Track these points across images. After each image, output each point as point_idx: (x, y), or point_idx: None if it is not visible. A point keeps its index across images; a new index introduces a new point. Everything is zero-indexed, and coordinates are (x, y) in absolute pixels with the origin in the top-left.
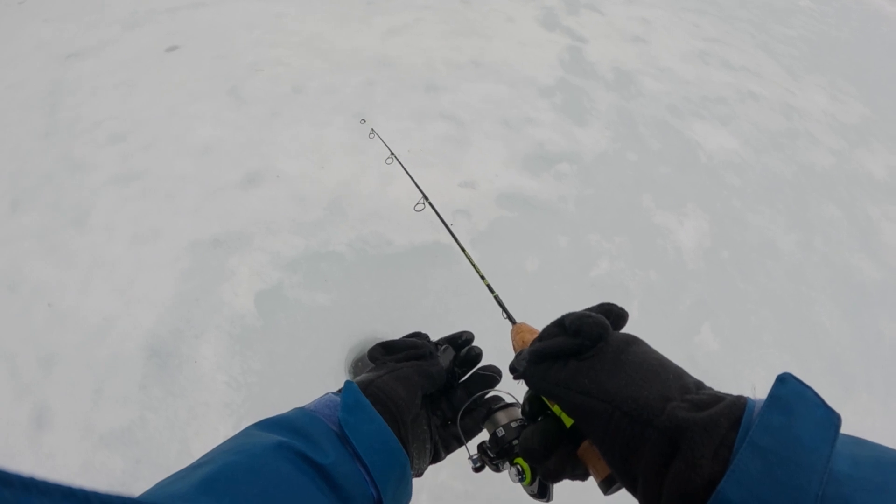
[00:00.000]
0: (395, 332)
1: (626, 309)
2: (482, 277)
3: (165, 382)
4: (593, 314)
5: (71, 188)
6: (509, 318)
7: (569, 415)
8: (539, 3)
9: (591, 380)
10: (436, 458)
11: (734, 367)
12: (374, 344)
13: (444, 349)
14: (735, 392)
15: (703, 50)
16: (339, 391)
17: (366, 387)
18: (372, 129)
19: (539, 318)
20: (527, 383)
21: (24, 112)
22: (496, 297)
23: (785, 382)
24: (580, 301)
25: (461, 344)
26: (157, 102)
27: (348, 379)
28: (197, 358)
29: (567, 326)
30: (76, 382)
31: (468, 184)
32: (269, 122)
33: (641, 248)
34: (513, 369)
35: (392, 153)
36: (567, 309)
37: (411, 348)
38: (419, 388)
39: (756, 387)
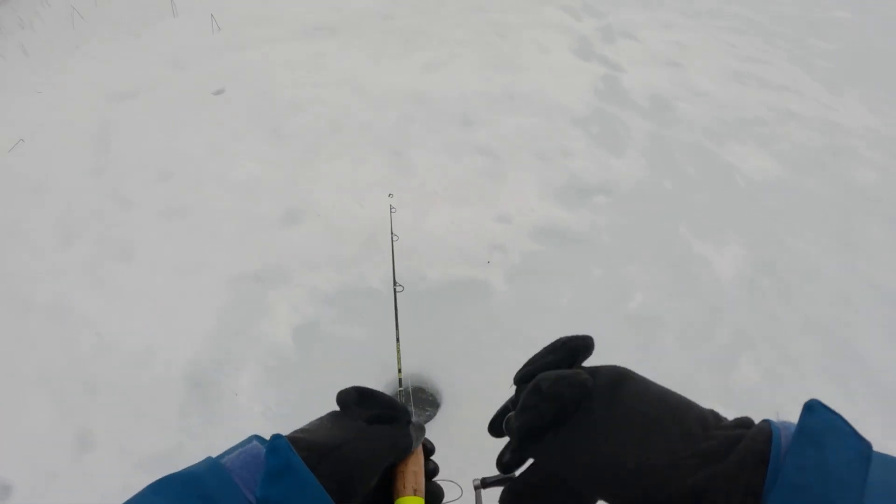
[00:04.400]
0: (427, 367)
1: (662, 341)
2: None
3: (204, 411)
4: (567, 373)
5: (119, 224)
6: None
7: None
8: (575, 33)
9: (581, 460)
10: None
11: (773, 400)
12: (349, 387)
13: (419, 429)
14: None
15: (739, 70)
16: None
17: (329, 452)
18: (391, 206)
19: None
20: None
21: (75, 150)
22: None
23: (813, 411)
24: (616, 335)
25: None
26: (203, 142)
27: (276, 433)
28: (236, 389)
29: (544, 392)
30: (119, 408)
31: (504, 218)
32: (309, 159)
33: (678, 279)
34: (505, 467)
35: (393, 233)
36: (604, 344)
37: (390, 408)
38: (384, 463)
39: (779, 411)
